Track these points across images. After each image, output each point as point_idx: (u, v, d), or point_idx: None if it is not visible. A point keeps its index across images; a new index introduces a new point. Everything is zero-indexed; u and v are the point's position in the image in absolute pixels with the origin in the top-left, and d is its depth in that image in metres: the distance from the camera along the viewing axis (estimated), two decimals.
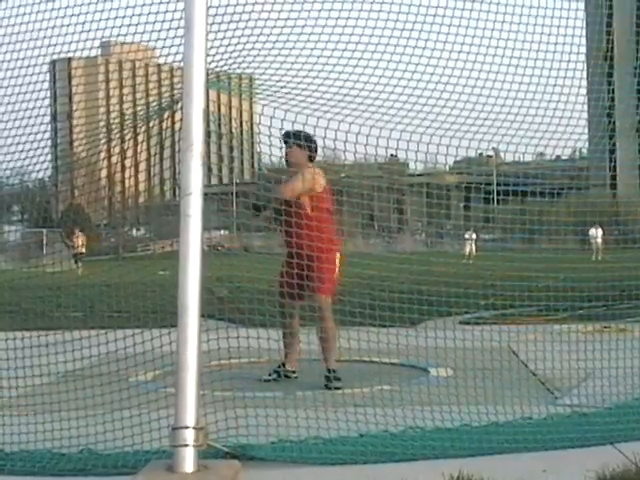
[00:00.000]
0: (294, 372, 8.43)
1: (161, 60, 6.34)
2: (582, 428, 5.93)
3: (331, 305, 8.10)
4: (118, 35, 6.16)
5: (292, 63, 6.10)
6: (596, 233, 14.68)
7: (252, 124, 7.59)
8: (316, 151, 8.34)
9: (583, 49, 7.02)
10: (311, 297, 8.13)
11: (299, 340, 8.39)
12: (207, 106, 5.16)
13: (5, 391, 6.37)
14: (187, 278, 4.86)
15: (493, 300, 7.43)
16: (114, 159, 7.32)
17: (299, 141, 7.97)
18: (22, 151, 6.37)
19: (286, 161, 8.32)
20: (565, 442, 5.66)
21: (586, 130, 7.58)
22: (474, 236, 21.30)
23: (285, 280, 8.00)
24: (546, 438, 5.72)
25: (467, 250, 23.56)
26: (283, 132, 7.65)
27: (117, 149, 7.14)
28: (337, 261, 8.28)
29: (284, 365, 8.38)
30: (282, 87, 6.18)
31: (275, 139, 6.18)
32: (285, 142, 7.96)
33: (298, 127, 6.75)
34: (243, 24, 5.89)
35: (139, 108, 7.09)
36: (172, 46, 5.82)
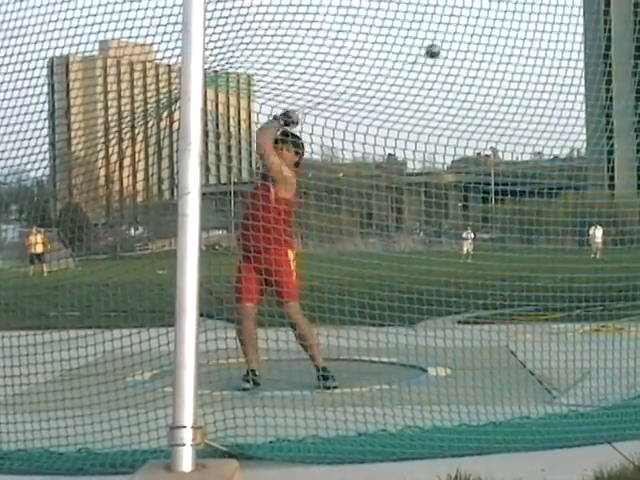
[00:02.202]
0: (257, 375, 8.08)
1: (159, 58, 6.32)
2: (580, 427, 5.92)
3: (299, 307, 7.98)
4: (115, 30, 6.15)
5: (290, 58, 6.10)
6: (596, 233, 14.69)
7: (250, 123, 7.59)
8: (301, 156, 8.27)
9: (581, 47, 7.02)
10: (280, 306, 7.96)
11: (258, 340, 8.05)
12: (205, 105, 5.15)
13: (2, 390, 6.36)
14: (185, 277, 4.85)
15: (491, 299, 7.42)
16: (112, 158, 7.31)
17: (296, 146, 8.00)
18: (20, 148, 6.37)
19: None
20: (563, 441, 5.66)
21: (584, 130, 7.58)
22: (471, 235, 21.31)
23: (242, 284, 7.92)
24: (544, 437, 5.72)
25: (465, 250, 23.56)
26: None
27: (115, 148, 7.13)
28: (292, 261, 8.08)
29: (253, 372, 8.02)
30: (280, 84, 6.18)
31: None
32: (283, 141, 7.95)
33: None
34: (242, 19, 5.88)
35: (137, 105, 7.09)
36: (170, 41, 5.83)
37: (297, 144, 8.01)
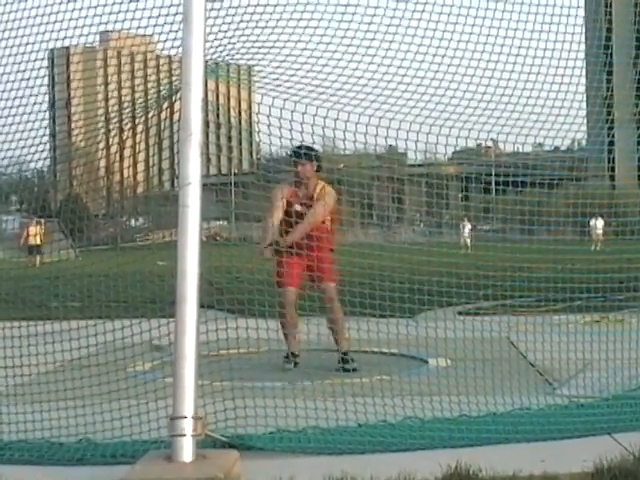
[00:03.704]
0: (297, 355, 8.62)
1: (160, 49, 6.31)
2: (580, 419, 5.93)
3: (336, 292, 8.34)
4: (116, 21, 6.14)
5: (291, 49, 6.09)
6: (596, 224, 14.70)
7: (251, 113, 7.60)
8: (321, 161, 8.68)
9: (582, 38, 7.01)
10: (321, 286, 8.33)
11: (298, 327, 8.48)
12: (206, 95, 5.14)
13: (3, 380, 6.37)
14: (186, 268, 4.85)
15: (492, 291, 7.42)
16: (113, 149, 7.31)
17: (311, 157, 8.37)
18: (21, 139, 6.36)
19: (297, 176, 8.56)
20: (563, 432, 5.67)
21: (585, 121, 7.57)
22: (469, 226, 21.24)
23: (284, 269, 8.26)
24: (544, 428, 5.73)
25: (462, 241, 23.52)
26: (292, 150, 7.90)
27: (116, 139, 7.12)
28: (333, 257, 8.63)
29: (293, 354, 8.53)
30: (281, 75, 6.17)
31: (275, 128, 6.13)
32: (297, 158, 8.31)
33: (297, 117, 6.74)
34: (242, 10, 5.88)
35: (137, 96, 7.08)
36: (170, 32, 5.82)
37: (316, 152, 8.44)
